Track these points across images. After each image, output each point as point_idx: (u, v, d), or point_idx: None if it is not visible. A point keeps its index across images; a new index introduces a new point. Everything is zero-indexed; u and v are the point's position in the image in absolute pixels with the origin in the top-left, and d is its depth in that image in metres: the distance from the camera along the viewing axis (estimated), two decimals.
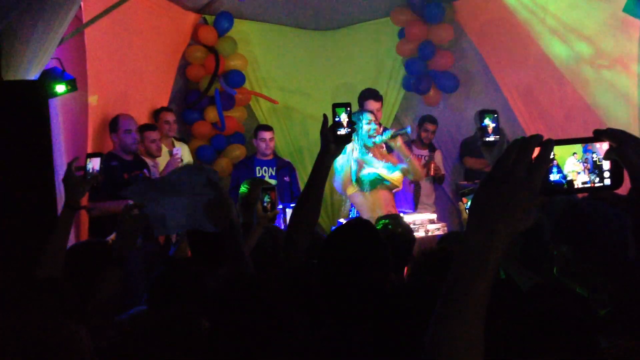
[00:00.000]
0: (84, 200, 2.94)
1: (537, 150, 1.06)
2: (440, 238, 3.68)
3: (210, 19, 7.00)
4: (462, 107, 7.49)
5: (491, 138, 2.47)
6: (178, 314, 1.81)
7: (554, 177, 1.09)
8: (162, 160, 5.72)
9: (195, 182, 2.29)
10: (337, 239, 2.15)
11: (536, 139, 1.06)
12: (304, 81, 7.73)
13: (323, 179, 2.40)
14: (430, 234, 5.45)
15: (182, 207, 2.32)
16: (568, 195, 1.11)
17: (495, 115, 2.46)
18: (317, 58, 7.75)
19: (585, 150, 1.10)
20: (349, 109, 2.40)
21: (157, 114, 6.12)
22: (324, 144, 2.38)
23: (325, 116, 2.47)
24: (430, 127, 6.85)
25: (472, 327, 1.05)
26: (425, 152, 6.87)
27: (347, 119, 2.38)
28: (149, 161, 5.57)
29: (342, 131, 2.37)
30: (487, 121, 2.38)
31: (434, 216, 5.62)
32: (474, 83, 7.39)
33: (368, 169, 5.01)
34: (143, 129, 5.60)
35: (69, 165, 2.69)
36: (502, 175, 1.06)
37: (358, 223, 2.27)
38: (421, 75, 7.29)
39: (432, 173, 6.59)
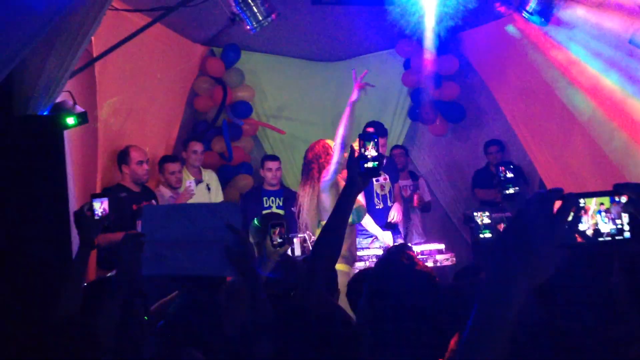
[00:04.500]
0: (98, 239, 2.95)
1: (558, 203, 1.08)
2: (456, 274, 3.66)
3: (217, 51, 7.07)
4: (468, 137, 7.53)
5: (510, 191, 2.43)
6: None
7: (582, 227, 1.10)
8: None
9: (211, 227, 2.23)
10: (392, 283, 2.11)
11: (557, 193, 1.09)
12: (311, 112, 7.78)
13: (348, 212, 2.33)
14: (439, 264, 5.45)
15: (185, 251, 2.26)
16: (591, 248, 1.12)
17: (512, 167, 2.44)
18: (324, 89, 7.81)
19: (612, 202, 1.11)
20: (376, 140, 2.29)
21: (186, 143, 6.24)
22: (350, 177, 2.30)
23: (352, 147, 2.39)
24: (395, 151, 6.98)
25: None
26: (408, 182, 6.88)
27: (375, 151, 2.27)
28: (168, 192, 5.64)
29: (369, 164, 2.26)
30: (502, 173, 2.37)
31: (442, 246, 5.62)
32: (480, 113, 7.44)
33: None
34: (164, 160, 5.71)
35: (81, 207, 2.70)
36: (522, 227, 1.08)
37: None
38: (427, 105, 7.34)
39: (415, 204, 6.60)
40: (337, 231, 2.32)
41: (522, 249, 1.07)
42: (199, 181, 6.21)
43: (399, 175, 6.46)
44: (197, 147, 6.26)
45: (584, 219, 1.10)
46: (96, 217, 2.76)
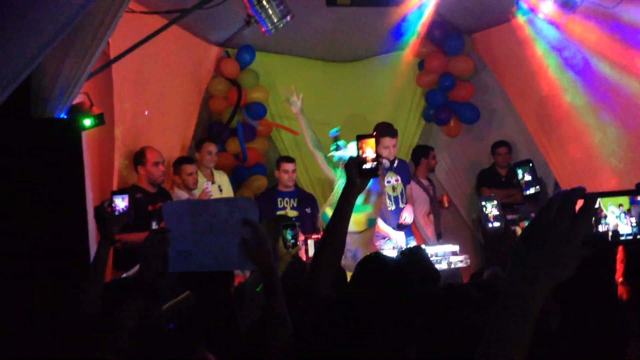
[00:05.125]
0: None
1: (579, 203, 1.07)
2: (472, 275, 3.66)
3: (232, 52, 7.10)
4: (483, 137, 7.51)
5: (531, 191, 2.39)
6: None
7: (602, 228, 1.09)
8: (199, 193, 5.83)
9: (231, 221, 2.26)
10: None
11: (579, 192, 1.08)
12: (325, 112, 7.78)
13: (348, 214, 2.29)
14: (453, 266, 5.43)
15: (210, 246, 2.29)
16: (612, 247, 1.11)
17: (530, 165, 2.41)
18: (338, 90, 7.82)
19: (632, 202, 1.10)
20: (374, 140, 2.23)
21: (200, 144, 6.26)
22: (348, 179, 2.25)
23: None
24: (434, 153, 6.90)
25: None
26: (426, 182, 6.86)
27: (373, 152, 2.21)
28: (184, 194, 5.67)
29: (367, 165, 2.21)
30: (521, 174, 2.33)
31: (456, 248, 5.60)
32: (494, 114, 7.42)
33: None
34: (180, 162, 5.73)
35: (102, 202, 2.74)
36: (543, 228, 1.08)
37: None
38: (441, 106, 7.33)
39: (446, 205, 6.59)
40: (337, 233, 2.29)
41: (544, 247, 1.07)
42: (211, 182, 6.25)
43: (411, 177, 6.44)
44: (212, 147, 6.28)
45: (604, 219, 1.10)
46: (117, 213, 2.82)
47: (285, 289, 3.05)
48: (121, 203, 2.88)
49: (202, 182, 6.00)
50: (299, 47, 7.36)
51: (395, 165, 6.01)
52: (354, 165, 2.23)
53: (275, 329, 2.12)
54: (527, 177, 2.42)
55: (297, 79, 7.59)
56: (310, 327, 1.90)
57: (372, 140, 2.23)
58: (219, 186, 6.35)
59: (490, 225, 2.70)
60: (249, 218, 2.22)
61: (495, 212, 2.69)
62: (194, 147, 6.58)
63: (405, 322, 2.12)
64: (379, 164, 2.24)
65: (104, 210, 2.82)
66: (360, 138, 2.24)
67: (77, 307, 2.36)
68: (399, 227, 6.01)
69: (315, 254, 2.35)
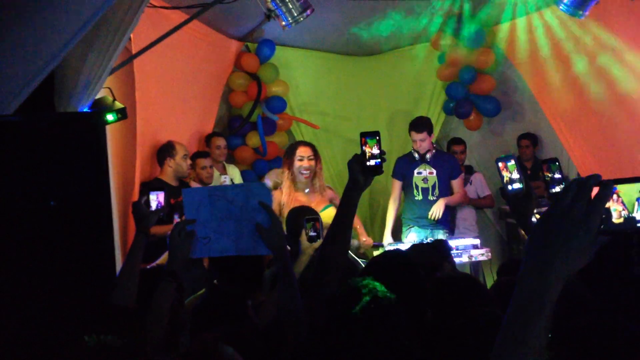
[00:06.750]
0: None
1: (595, 190, 1.07)
2: (500, 267, 3.64)
3: (252, 46, 7.12)
4: (504, 131, 7.47)
5: (557, 189, 2.36)
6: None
7: (617, 215, 1.09)
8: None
9: (247, 206, 2.30)
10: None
11: (594, 179, 1.08)
12: (345, 106, 7.80)
13: (351, 213, 2.28)
14: (473, 259, 5.41)
15: (229, 232, 2.34)
16: (628, 234, 1.11)
17: (557, 164, 2.39)
18: (357, 83, 7.81)
19: None
20: (378, 137, 2.22)
21: (208, 139, 6.31)
22: (351, 176, 2.23)
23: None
24: (456, 148, 6.82)
25: None
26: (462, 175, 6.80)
27: (377, 149, 2.20)
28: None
29: (371, 162, 2.19)
30: (548, 172, 2.31)
31: (477, 241, 5.58)
32: (515, 107, 7.36)
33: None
34: (195, 156, 5.79)
35: (139, 198, 2.83)
36: (559, 215, 1.08)
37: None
38: (462, 99, 7.29)
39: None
40: (342, 233, 2.28)
41: (559, 235, 1.06)
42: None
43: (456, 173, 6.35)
44: (220, 142, 6.33)
45: (620, 205, 1.09)
46: (152, 209, 2.99)
47: (307, 281, 3.08)
48: (157, 199, 3.04)
49: (218, 175, 6.06)
50: (319, 41, 7.36)
51: (428, 158, 5.93)
52: (357, 162, 2.22)
53: (290, 314, 2.16)
54: (556, 175, 2.38)
55: (317, 73, 7.63)
56: (329, 321, 1.92)
57: (376, 137, 2.22)
58: (232, 179, 6.43)
59: (510, 187, 2.63)
60: (264, 202, 2.27)
61: (516, 173, 2.62)
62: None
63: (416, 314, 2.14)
64: (383, 161, 2.22)
65: (141, 206, 2.94)
66: (364, 135, 2.23)
67: (112, 300, 2.41)
68: (433, 221, 5.99)
69: (321, 252, 2.37)
